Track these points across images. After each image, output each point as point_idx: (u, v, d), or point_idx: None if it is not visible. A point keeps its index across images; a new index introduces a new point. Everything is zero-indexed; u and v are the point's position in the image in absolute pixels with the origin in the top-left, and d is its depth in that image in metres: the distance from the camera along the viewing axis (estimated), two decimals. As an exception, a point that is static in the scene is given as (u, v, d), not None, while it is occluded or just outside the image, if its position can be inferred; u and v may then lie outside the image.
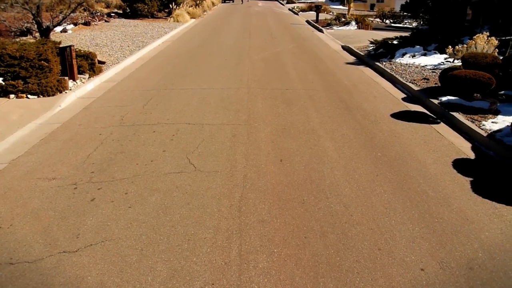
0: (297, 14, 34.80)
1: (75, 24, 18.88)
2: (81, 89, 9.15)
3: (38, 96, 8.33)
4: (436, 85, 9.03)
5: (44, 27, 12.07)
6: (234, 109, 7.83)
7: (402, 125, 7.04)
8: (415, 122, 7.19)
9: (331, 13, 32.07)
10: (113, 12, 26.16)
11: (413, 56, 11.99)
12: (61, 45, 9.34)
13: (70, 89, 8.98)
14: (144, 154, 5.73)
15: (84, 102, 8.49)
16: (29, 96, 8.23)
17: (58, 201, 4.47)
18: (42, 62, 8.55)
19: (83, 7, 18.03)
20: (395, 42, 13.42)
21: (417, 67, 11.06)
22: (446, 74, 8.15)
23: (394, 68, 11.19)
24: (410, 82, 9.63)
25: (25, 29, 14.23)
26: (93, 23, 20.19)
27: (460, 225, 4.01)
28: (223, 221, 4.06)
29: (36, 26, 12.48)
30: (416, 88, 9.14)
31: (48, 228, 3.94)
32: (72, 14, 17.00)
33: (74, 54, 9.38)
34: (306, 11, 35.89)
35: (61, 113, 7.79)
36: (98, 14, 22.61)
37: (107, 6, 27.65)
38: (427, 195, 4.60)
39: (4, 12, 14.12)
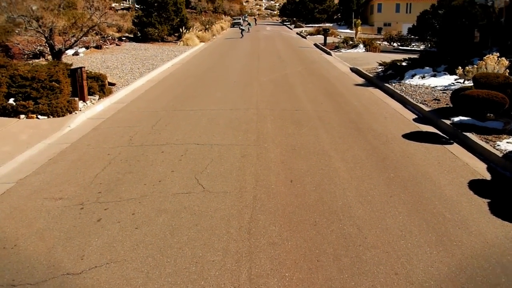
0: (305, 38, 35.19)
1: (87, 48, 19.25)
2: (91, 110, 9.20)
3: (48, 117, 8.37)
4: (448, 106, 8.92)
5: (56, 49, 12.28)
6: (243, 129, 7.77)
7: (414, 145, 6.90)
8: (428, 143, 7.04)
9: (338, 37, 32.36)
10: (124, 36, 26.70)
11: (423, 77, 11.93)
12: (72, 67, 9.45)
13: (80, 110, 9.03)
14: (152, 174, 5.65)
15: (94, 122, 8.50)
16: (39, 116, 8.28)
17: (64, 221, 4.38)
18: (53, 83, 8.64)
19: (95, 31, 18.37)
20: (404, 63, 13.40)
21: (427, 88, 10.98)
22: (457, 94, 8.04)
23: (404, 89, 11.12)
24: (420, 103, 9.52)
25: (38, 52, 14.52)
26: (104, 46, 20.59)
27: (480, 249, 3.83)
28: (232, 243, 3.92)
29: (48, 49, 12.72)
30: (427, 109, 9.03)
31: (52, 249, 3.84)
32: (84, 38, 17.33)
33: (84, 75, 9.47)
34: (314, 34, 36.29)
35: (70, 134, 7.79)
36: (110, 38, 23.06)
37: (119, 30, 28.24)
38: (443, 217, 4.42)
39: (18, 35, 14.45)
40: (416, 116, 8.93)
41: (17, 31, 13.40)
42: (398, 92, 10.83)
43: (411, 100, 9.85)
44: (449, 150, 6.69)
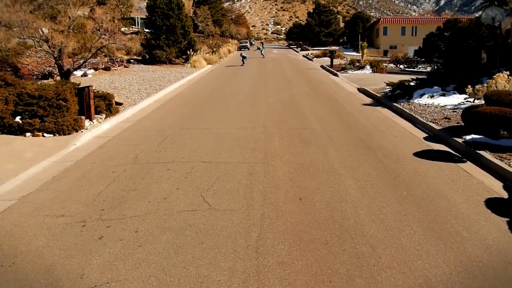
0: (311, 60, 35.44)
1: (96, 69, 19.46)
2: (97, 129, 9.15)
3: (54, 135, 8.32)
4: (459, 124, 8.74)
5: (65, 70, 12.40)
6: (251, 147, 7.64)
7: (426, 164, 6.70)
8: (440, 161, 6.84)
9: (345, 59, 32.54)
10: (132, 59, 27.03)
11: (432, 96, 11.81)
12: (79, 86, 9.47)
13: (86, 128, 8.98)
14: (157, 192, 5.51)
15: (100, 141, 8.43)
16: (45, 134, 8.23)
17: (65, 238, 4.23)
18: (60, 101, 8.63)
19: (103, 53, 18.60)
20: (412, 83, 13.31)
21: (436, 107, 10.83)
22: (469, 112, 7.88)
23: (413, 108, 10.98)
24: (431, 121, 9.36)
25: (47, 73, 14.66)
26: (113, 68, 20.80)
27: (502, 270, 3.60)
28: (239, 263, 3.73)
29: (57, 69, 12.83)
30: (437, 127, 8.85)
31: (51, 267, 3.67)
32: (93, 60, 17.58)
33: (92, 94, 9.48)
34: (320, 57, 36.58)
35: (76, 152, 7.71)
36: (118, 60, 23.34)
37: (127, 53, 28.63)
38: (461, 236, 4.20)
39: (28, 57, 14.66)
40: (427, 135, 8.75)
41: (27, 54, 13.59)
42: (407, 111, 10.70)
43: (421, 119, 9.70)
44: (463, 168, 6.48)
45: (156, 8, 25.07)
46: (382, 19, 54.70)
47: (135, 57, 28.52)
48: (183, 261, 3.76)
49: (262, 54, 38.40)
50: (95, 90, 10.12)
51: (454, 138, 7.87)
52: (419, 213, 4.78)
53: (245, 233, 4.30)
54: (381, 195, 5.35)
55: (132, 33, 44.58)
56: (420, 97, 11.97)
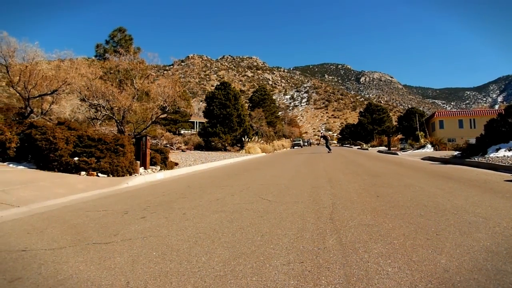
0: (367, 149, 34.86)
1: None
2: (151, 176, 8.91)
3: (108, 175, 8.15)
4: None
5: (125, 135, 12.82)
6: (293, 194, 6.92)
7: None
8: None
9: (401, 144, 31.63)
10: (188, 148, 28.08)
11: (510, 149, 10.61)
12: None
13: (141, 174, 8.78)
14: (210, 194, 4.89)
15: (152, 183, 8.12)
16: (99, 174, 8.08)
17: (103, 219, 3.66)
18: (118, 146, 8.64)
19: (162, 135, 19.39)
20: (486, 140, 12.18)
21: (520, 158, 9.61)
22: None
23: (491, 161, 9.80)
24: (516, 164, 8.20)
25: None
26: (171, 150, 21.50)
27: None
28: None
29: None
30: (527, 166, 7.67)
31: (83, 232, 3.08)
32: (152, 141, 18.28)
33: (148, 144, 9.48)
34: (376, 146, 35.92)
35: (127, 188, 7.40)
36: (176, 142, 24.24)
37: (185, 144, 29.87)
38: None
39: (93, 126, 15.53)
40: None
41: (98, 123, 14.43)
42: (485, 161, 9.56)
43: (504, 164, 8.55)
44: None
45: (214, 98, 26.59)
46: (437, 112, 54.06)
47: (192, 147, 29.63)
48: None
49: (328, 148, 27.00)
50: (152, 144, 10.14)
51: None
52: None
53: None
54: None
55: (191, 134, 47.27)
56: (496, 152, 10.80)
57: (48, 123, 10.83)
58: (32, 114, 12.07)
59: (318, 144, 33.55)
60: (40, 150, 8.09)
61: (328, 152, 24.28)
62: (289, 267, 2.43)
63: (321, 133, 25.06)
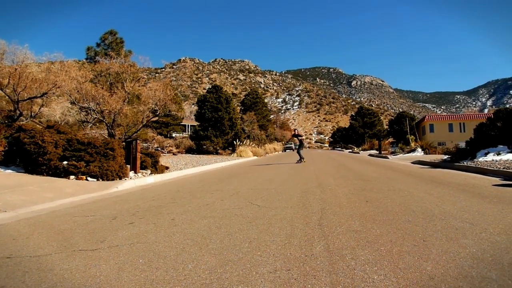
0: (358, 153, 35.02)
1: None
2: (141, 180, 8.86)
3: (98, 179, 8.08)
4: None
5: (116, 139, 12.73)
6: (290, 204, 6.93)
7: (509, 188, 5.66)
8: (529, 189, 5.77)
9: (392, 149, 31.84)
10: (179, 152, 28.00)
11: (498, 154, 10.74)
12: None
13: (131, 178, 8.72)
14: (203, 197, 4.87)
15: (142, 188, 8.07)
16: (88, 178, 8.01)
17: (90, 225, 3.62)
18: (108, 150, 8.58)
19: (153, 138, 19.31)
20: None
21: (506, 162, 9.71)
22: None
23: (480, 165, 9.90)
24: (504, 168, 8.29)
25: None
26: (162, 154, 21.42)
27: None
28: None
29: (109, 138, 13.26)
30: (514, 172, 7.78)
31: (70, 238, 3.05)
32: (143, 144, 18.19)
33: (139, 148, 9.43)
34: (367, 150, 36.11)
35: (116, 192, 7.34)
36: (168, 146, 24.15)
37: (177, 147, 29.76)
38: None
39: (84, 129, 15.44)
40: (502, 178, 7.66)
41: (89, 126, 14.32)
42: (474, 165, 9.66)
43: (492, 168, 8.65)
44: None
45: (206, 102, 26.57)
46: (427, 116, 54.45)
47: (183, 150, 29.56)
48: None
49: (299, 154, 18.31)
50: (142, 147, 10.09)
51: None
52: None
53: None
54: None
55: (182, 137, 47.16)
56: (485, 156, 10.92)
57: (37, 126, 10.73)
58: (21, 117, 11.95)
59: (296, 147, 27.47)
60: (28, 154, 8.00)
61: (298, 161, 17.11)
62: (276, 274, 2.42)
63: (295, 130, 18.20)
